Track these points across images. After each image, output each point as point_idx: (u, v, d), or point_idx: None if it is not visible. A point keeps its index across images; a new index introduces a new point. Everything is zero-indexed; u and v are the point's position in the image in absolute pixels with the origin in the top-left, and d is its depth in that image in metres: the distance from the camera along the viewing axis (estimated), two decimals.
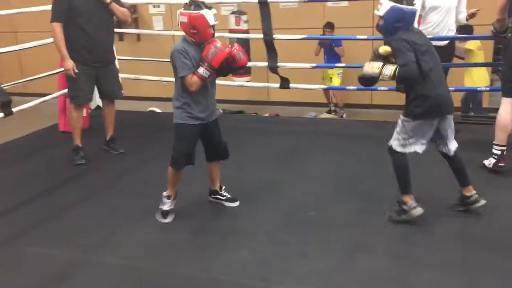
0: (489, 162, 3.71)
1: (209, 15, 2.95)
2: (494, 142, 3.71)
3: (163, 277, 2.69)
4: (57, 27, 4.04)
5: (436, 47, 4.29)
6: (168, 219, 3.23)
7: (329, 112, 6.75)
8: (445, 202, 3.21)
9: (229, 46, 3.03)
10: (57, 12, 4.04)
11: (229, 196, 3.42)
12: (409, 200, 3.01)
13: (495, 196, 3.26)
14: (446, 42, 4.40)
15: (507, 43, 3.66)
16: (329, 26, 6.28)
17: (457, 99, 5.80)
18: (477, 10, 4.24)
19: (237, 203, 3.39)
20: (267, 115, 6.61)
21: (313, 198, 3.46)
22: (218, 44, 2.97)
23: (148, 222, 3.25)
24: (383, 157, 4.09)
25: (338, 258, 2.76)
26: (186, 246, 2.96)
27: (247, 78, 6.42)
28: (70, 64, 4.08)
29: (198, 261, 2.80)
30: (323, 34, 6.28)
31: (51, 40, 4.24)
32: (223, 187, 3.43)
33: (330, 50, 6.50)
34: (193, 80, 2.97)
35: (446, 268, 2.62)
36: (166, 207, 3.24)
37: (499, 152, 3.68)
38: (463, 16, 4.41)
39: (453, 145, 3.05)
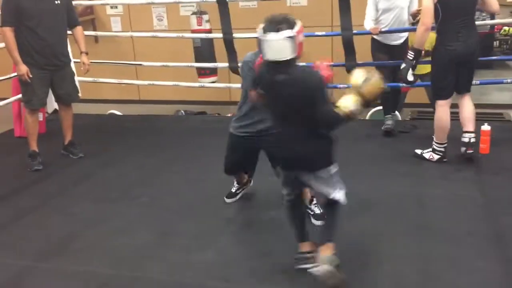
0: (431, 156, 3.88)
1: None
2: (435, 140, 3.86)
3: (126, 283, 2.64)
4: (8, 31, 3.92)
5: (393, 46, 4.44)
6: (229, 200, 3.39)
7: None
8: None
9: None
10: (7, 17, 3.93)
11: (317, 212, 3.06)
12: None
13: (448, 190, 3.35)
14: (402, 41, 4.48)
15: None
16: None
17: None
18: (418, 10, 4.31)
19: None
20: (230, 115, 6.59)
21: (277, 197, 3.46)
22: None
23: (108, 226, 3.18)
24: (341, 155, 4.18)
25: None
26: (149, 250, 2.92)
27: (213, 78, 6.37)
28: (23, 69, 3.97)
29: (162, 265, 2.76)
30: None
31: (2, 45, 4.11)
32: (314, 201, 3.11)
33: None
34: None
35: (405, 261, 2.68)
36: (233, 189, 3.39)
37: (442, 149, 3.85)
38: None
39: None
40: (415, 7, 4.42)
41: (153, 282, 2.64)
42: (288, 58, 2.25)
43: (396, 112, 4.99)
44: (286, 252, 2.76)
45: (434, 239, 2.87)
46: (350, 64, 4.55)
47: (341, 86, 4.93)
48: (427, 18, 3.55)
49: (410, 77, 3.79)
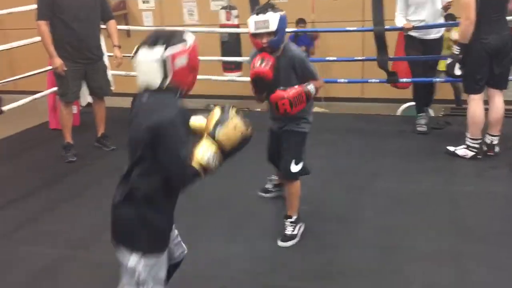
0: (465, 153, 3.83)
1: (250, 22, 2.70)
2: (469, 136, 3.80)
3: None
4: (43, 25, 4.01)
5: (429, 40, 4.35)
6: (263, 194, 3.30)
7: None
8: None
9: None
10: (42, 10, 4.01)
11: None
12: None
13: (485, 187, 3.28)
14: (439, 34, 4.39)
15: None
16: (302, 21, 6.24)
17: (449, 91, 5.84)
18: (449, 3, 4.25)
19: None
20: (259, 110, 6.61)
21: (304, 191, 3.47)
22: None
23: None
24: (373, 151, 4.15)
25: (332, 252, 2.78)
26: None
27: (238, 73, 6.40)
28: (58, 62, 4.06)
29: (190, 257, 2.79)
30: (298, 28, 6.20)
31: (38, 38, 4.21)
32: None
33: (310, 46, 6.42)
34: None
35: (437, 258, 2.65)
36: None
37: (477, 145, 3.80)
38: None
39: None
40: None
41: (180, 274, 2.67)
42: (156, 86, 1.72)
43: (429, 109, 4.90)
44: (319, 248, 2.77)
45: (466, 237, 2.83)
46: (382, 59, 4.50)
47: (372, 80, 4.91)
48: (471, 12, 3.55)
49: (457, 72, 3.77)
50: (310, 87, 2.72)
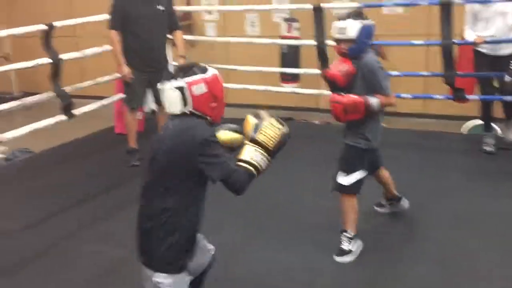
0: None
1: (332, 27, 2.76)
2: None
3: (209, 280, 2.70)
4: (114, 35, 4.20)
5: (500, 57, 4.14)
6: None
7: None
8: None
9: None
10: (114, 21, 4.20)
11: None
12: None
13: None
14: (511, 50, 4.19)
15: None
16: None
17: None
18: None
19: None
20: (317, 122, 6.57)
21: (363, 207, 3.42)
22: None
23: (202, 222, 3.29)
24: (436, 169, 4.02)
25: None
26: (233, 249, 2.99)
27: (295, 85, 6.41)
28: (125, 70, 4.23)
29: (245, 265, 2.81)
30: None
31: (109, 47, 4.40)
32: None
33: None
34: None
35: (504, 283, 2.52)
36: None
37: None
38: None
39: None
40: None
41: (235, 282, 2.69)
42: (178, 112, 1.91)
43: (497, 127, 4.69)
44: (379, 265, 2.71)
45: None
46: (449, 74, 4.36)
47: (437, 96, 4.77)
48: None
49: None
50: (374, 100, 2.66)
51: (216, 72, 1.96)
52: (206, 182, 1.91)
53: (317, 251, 2.91)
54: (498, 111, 4.67)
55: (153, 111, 5.51)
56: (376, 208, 3.33)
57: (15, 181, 4.26)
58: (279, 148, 1.97)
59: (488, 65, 4.22)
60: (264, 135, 1.94)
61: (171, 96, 1.90)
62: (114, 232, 3.29)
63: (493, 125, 4.48)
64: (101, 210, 3.61)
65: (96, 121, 5.73)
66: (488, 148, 4.29)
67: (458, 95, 4.49)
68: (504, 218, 3.18)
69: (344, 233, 2.85)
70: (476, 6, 4.15)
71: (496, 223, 3.12)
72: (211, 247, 2.15)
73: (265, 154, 1.93)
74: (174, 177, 1.86)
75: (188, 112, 1.90)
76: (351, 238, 2.84)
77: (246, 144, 1.95)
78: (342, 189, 2.82)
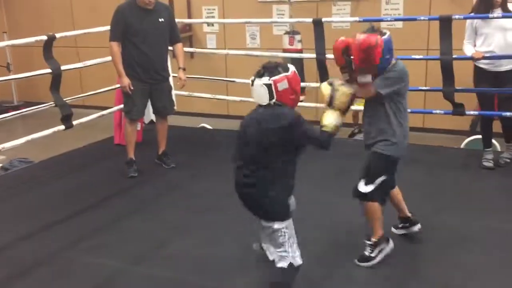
0: None
1: None
2: None
3: None
4: (115, 45, 4.22)
5: (500, 72, 4.13)
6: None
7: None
8: None
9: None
10: (115, 32, 4.22)
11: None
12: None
13: None
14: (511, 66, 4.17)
15: None
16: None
17: None
18: None
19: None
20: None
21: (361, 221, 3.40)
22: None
23: (196, 236, 3.28)
24: (435, 184, 4.00)
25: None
26: (234, 262, 2.97)
27: (301, 98, 6.40)
28: (126, 81, 4.24)
29: (246, 277, 2.79)
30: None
31: (110, 58, 4.43)
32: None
33: None
34: None
35: None
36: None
37: None
38: None
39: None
40: None
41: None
42: (265, 103, 2.35)
43: (496, 143, 4.68)
44: (377, 281, 2.69)
45: None
46: (448, 90, 4.37)
47: (437, 111, 4.77)
48: None
49: None
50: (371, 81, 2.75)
51: (294, 69, 2.38)
52: (298, 149, 2.37)
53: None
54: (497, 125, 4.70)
55: (151, 122, 5.53)
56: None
57: (13, 191, 4.25)
58: (349, 106, 2.50)
59: (489, 81, 4.20)
60: (339, 101, 2.45)
61: (260, 91, 2.33)
62: (111, 243, 3.27)
63: (493, 141, 4.48)
64: (99, 221, 3.59)
65: (95, 132, 5.74)
66: (487, 164, 4.28)
67: (457, 110, 4.49)
68: (501, 235, 3.15)
69: (366, 241, 2.89)
70: (477, 21, 4.17)
71: (493, 240, 3.10)
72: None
73: (341, 117, 2.43)
74: (275, 149, 2.30)
75: (272, 104, 2.33)
76: (372, 245, 2.87)
77: (326, 110, 2.44)
78: (360, 195, 2.84)
